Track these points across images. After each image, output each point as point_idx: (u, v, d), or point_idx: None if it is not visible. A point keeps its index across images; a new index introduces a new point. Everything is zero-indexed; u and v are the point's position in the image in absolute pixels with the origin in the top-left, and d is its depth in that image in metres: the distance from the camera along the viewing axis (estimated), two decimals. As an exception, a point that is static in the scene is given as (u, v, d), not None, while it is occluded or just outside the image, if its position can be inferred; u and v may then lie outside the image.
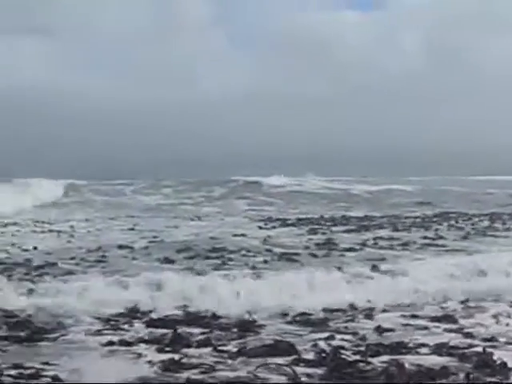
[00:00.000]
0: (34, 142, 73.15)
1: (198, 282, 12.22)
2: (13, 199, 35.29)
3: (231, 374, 7.12)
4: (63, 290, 11.70)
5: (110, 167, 55.18)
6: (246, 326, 9.61)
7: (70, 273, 14.02)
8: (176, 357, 7.82)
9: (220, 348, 8.37)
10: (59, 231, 22.98)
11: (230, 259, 16.07)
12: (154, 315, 10.48)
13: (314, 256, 16.62)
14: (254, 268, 14.46)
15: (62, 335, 9.20)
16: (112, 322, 10.05)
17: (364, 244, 18.75)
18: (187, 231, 22.92)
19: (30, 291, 11.74)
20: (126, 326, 9.78)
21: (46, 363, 7.70)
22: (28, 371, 7.34)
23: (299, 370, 7.28)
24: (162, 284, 11.97)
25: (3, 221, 26.15)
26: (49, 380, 7.06)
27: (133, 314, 10.58)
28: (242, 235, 21.09)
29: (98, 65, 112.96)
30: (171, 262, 15.69)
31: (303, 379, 7.04)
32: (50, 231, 23.19)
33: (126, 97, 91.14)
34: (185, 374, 7.13)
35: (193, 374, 7.14)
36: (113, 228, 24.72)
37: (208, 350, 8.31)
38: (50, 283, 12.55)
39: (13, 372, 7.30)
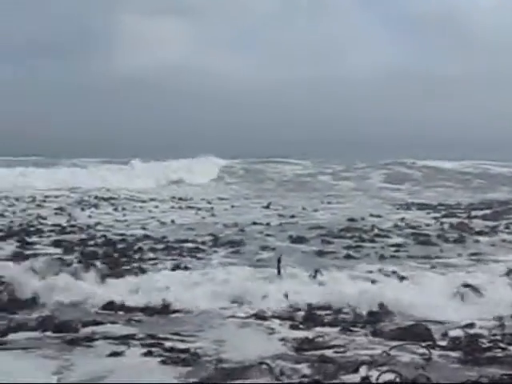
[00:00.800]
0: (182, 122, 75.59)
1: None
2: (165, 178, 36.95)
3: (364, 354, 7.08)
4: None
5: (257, 146, 55.69)
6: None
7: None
8: (310, 335, 7.89)
9: (352, 329, 8.38)
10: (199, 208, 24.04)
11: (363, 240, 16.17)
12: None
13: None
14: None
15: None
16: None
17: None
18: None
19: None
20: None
21: (185, 335, 7.98)
22: (167, 343, 7.56)
23: (433, 352, 7.16)
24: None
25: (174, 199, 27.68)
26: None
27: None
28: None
29: (245, 45, 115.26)
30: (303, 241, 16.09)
31: (438, 360, 6.94)
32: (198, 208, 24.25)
33: (272, 76, 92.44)
34: (318, 352, 7.16)
35: (326, 353, 7.16)
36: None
37: (338, 329, 8.36)
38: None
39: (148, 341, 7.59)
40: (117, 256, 13.69)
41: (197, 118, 78.17)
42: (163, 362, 6.80)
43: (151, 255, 13.91)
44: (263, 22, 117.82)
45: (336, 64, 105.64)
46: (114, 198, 28.69)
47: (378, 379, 6.01)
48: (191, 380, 6.30)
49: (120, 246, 15.22)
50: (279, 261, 11.12)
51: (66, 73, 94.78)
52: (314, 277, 10.71)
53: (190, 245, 15.39)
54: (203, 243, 15.66)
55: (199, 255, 13.98)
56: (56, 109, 79.95)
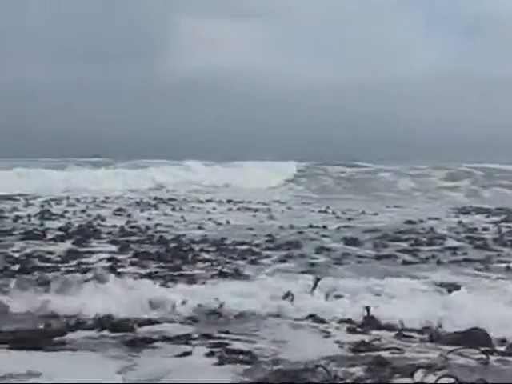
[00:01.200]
0: (241, 123, 75.92)
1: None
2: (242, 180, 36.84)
3: (421, 358, 7.05)
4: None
5: (316, 147, 55.32)
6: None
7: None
8: (366, 338, 7.89)
9: (408, 334, 8.35)
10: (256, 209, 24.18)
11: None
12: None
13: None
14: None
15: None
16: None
17: None
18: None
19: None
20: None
21: (241, 334, 8.07)
22: (226, 342, 7.65)
23: (491, 358, 7.08)
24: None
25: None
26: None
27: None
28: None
29: (299, 47, 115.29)
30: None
31: (496, 365, 6.87)
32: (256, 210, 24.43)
33: (326, 78, 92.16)
34: (374, 354, 7.17)
35: (382, 355, 7.15)
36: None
37: (394, 333, 8.34)
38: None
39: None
40: (170, 256, 13.89)
41: (257, 119, 78.29)
42: (222, 362, 6.88)
43: (206, 256, 14.06)
44: (316, 24, 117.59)
45: (390, 65, 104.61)
46: (172, 199, 28.98)
47: (435, 384, 5.98)
48: (247, 379, 6.37)
49: (176, 246, 15.49)
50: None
51: (123, 76, 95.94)
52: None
53: (244, 247, 15.51)
54: (258, 245, 15.81)
55: (254, 257, 14.02)
56: (114, 110, 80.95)
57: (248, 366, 6.74)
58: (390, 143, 57.79)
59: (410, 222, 20.41)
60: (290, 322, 8.77)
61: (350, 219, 21.63)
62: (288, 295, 9.89)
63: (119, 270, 12.40)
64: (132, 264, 13.23)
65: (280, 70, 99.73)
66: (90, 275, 10.82)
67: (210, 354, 7.12)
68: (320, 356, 6.99)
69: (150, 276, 11.87)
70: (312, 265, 13.42)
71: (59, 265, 12.99)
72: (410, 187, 37.02)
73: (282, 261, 13.99)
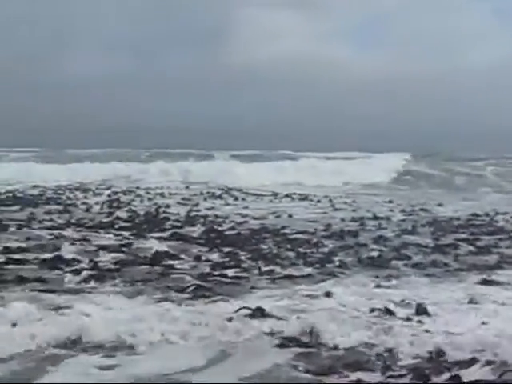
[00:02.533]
0: (306, 114, 75.86)
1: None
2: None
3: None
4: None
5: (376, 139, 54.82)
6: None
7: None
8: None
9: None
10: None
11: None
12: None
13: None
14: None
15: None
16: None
17: None
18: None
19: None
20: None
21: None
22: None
23: None
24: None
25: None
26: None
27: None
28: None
29: (363, 36, 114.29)
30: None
31: None
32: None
33: (390, 68, 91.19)
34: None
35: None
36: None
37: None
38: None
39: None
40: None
41: (319, 109, 78.01)
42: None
43: (264, 247, 14.13)
44: (380, 14, 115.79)
45: (454, 55, 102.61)
46: (238, 190, 29.21)
47: None
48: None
49: (234, 236, 15.66)
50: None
51: (186, 66, 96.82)
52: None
53: (305, 236, 15.54)
54: (315, 233, 15.96)
55: (312, 249, 14.02)
56: (176, 101, 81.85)
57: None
58: (459, 134, 56.44)
59: (475, 214, 20.03)
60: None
61: (413, 211, 21.23)
62: None
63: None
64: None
65: (343, 59, 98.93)
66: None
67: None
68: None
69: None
70: (369, 258, 13.16)
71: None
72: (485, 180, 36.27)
73: (341, 248, 14.02)
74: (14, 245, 13.71)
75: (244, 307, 8.53)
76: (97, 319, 8.04)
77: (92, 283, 10.58)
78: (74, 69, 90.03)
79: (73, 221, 17.70)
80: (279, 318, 8.30)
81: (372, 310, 8.73)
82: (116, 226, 16.83)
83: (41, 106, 75.09)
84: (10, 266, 11.83)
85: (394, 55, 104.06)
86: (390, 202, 24.37)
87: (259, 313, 8.36)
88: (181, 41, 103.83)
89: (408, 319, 8.37)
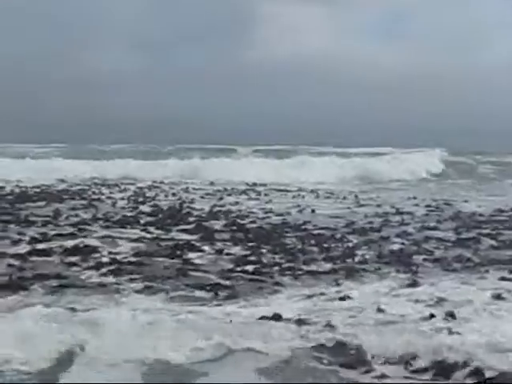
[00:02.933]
0: (330, 109, 75.63)
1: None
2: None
3: None
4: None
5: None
6: None
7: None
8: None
9: None
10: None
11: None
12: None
13: None
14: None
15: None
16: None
17: None
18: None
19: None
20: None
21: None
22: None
23: None
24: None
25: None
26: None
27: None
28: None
29: (387, 31, 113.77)
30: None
31: None
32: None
33: (415, 62, 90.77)
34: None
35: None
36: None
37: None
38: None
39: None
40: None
41: (344, 105, 77.75)
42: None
43: (287, 242, 14.17)
44: (402, 8, 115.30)
45: (476, 49, 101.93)
46: (262, 185, 29.25)
47: None
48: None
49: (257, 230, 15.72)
50: None
51: (210, 62, 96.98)
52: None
53: (328, 232, 15.58)
54: (338, 229, 15.99)
55: (335, 245, 14.03)
56: (200, 97, 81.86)
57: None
58: (484, 131, 55.86)
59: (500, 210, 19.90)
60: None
61: (437, 207, 21.14)
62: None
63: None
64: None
65: (365, 54, 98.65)
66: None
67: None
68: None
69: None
70: (391, 252, 13.15)
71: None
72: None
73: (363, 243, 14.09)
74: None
75: (263, 317, 8.35)
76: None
77: (111, 278, 10.76)
78: (97, 64, 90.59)
79: (99, 215, 17.88)
80: (303, 323, 8.20)
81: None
82: (141, 221, 16.96)
83: (65, 101, 75.49)
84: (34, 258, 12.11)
85: (417, 49, 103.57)
86: (416, 197, 24.23)
87: (277, 318, 8.24)
88: (203, 36, 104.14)
89: (434, 320, 8.28)
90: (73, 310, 8.63)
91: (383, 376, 6.76)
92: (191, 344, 7.48)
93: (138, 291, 10.02)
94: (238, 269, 11.59)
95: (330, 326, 8.06)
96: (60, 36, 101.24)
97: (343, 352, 7.33)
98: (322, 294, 9.87)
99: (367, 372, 6.93)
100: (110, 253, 12.66)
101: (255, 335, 7.69)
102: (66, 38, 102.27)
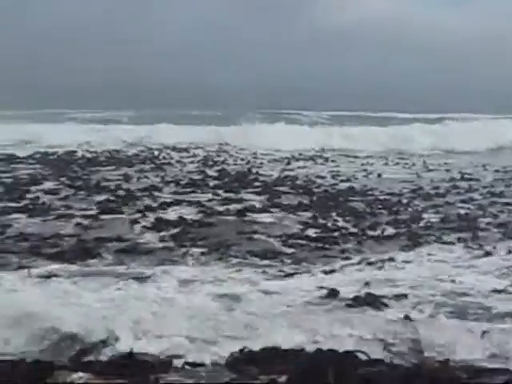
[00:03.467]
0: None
1: None
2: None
3: None
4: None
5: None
6: None
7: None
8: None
9: None
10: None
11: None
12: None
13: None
14: None
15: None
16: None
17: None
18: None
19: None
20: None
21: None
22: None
23: None
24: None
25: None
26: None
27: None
28: None
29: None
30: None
31: None
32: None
33: (479, 26, 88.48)
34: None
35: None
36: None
37: None
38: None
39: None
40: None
41: (408, 69, 76.38)
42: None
43: (355, 206, 14.24)
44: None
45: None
46: (331, 150, 29.19)
47: None
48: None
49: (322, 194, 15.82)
50: None
51: (274, 29, 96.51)
52: None
53: (395, 197, 15.60)
54: (405, 194, 15.96)
55: (401, 209, 13.98)
56: (265, 64, 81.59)
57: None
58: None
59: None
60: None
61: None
62: None
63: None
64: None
65: (432, 19, 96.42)
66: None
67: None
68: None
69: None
70: (458, 217, 13.06)
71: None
72: None
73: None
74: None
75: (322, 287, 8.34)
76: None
77: (178, 242, 11.01)
78: (173, 35, 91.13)
79: (168, 179, 18.23)
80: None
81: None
82: (210, 184, 17.31)
83: (142, 70, 76.28)
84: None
85: (484, 13, 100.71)
86: (486, 164, 23.75)
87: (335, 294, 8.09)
88: (270, 3, 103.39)
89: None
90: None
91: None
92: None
93: (202, 254, 10.27)
94: (303, 234, 11.71)
95: (401, 295, 8.03)
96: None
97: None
98: (390, 259, 9.88)
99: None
100: (179, 217, 12.89)
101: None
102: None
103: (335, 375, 5.38)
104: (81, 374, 5.44)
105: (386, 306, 7.67)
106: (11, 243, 10.70)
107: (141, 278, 8.79)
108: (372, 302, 7.74)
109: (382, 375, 5.50)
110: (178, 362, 6.33)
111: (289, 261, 9.99)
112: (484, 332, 6.64)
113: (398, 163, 24.77)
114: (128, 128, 35.23)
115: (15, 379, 5.63)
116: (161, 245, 10.86)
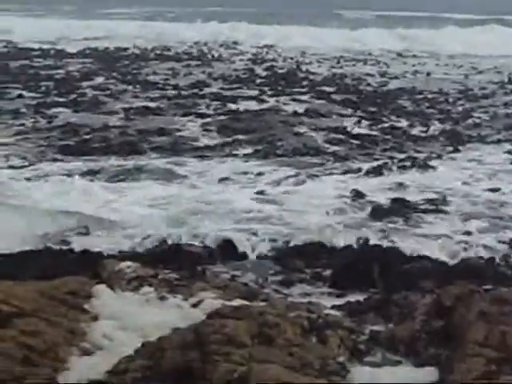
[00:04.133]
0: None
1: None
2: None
3: None
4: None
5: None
6: None
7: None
8: None
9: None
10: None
11: None
12: None
13: None
14: None
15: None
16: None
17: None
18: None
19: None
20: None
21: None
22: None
23: None
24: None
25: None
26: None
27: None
28: None
29: None
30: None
31: None
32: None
33: None
34: None
35: None
36: None
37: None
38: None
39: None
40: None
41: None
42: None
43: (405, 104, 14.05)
44: None
45: None
46: (381, 50, 28.51)
47: None
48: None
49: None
50: None
51: None
52: None
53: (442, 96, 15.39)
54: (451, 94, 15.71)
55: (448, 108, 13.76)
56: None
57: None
58: None
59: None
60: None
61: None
62: None
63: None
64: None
65: None
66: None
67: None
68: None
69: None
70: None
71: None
72: None
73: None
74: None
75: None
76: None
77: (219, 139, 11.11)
78: None
79: (215, 76, 18.15)
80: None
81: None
82: (257, 82, 17.18)
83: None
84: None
85: None
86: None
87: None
88: None
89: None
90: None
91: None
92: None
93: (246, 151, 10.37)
94: (348, 131, 11.72)
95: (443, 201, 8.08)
96: None
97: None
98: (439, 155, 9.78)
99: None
100: (225, 111, 12.90)
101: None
102: None
103: (380, 270, 5.41)
104: (129, 263, 5.55)
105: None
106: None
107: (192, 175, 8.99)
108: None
109: (427, 271, 5.53)
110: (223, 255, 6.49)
111: (331, 158, 10.03)
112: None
113: (447, 64, 24.08)
114: (175, 25, 34.89)
115: (65, 267, 5.80)
116: (206, 140, 10.97)
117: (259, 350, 3.83)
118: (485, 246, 6.64)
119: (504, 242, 6.76)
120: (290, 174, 9.12)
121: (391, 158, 10.06)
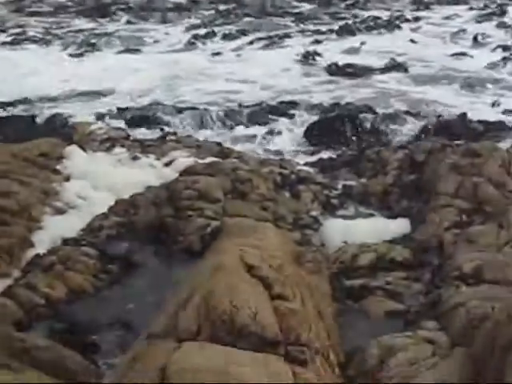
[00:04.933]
0: None
1: None
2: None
3: None
4: None
5: None
6: None
7: None
8: None
9: None
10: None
11: None
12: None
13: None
14: None
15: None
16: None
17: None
18: None
19: None
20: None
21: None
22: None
23: None
24: None
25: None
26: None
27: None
28: None
29: None
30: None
31: None
32: None
33: None
34: None
35: None
36: None
37: None
38: None
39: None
40: None
41: None
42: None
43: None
44: None
45: None
46: None
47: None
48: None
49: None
50: None
51: None
52: None
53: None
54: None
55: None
56: None
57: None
58: None
59: None
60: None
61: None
62: None
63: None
64: None
65: None
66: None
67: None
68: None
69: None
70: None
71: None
72: None
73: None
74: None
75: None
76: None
77: None
78: None
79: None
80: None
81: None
82: None
83: None
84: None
85: None
86: None
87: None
88: None
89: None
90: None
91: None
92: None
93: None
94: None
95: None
96: None
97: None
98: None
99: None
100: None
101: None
102: None
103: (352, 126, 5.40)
104: (100, 124, 5.49)
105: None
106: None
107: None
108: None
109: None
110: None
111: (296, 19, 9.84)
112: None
113: None
114: None
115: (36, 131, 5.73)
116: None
117: (232, 204, 3.85)
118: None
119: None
120: (256, 37, 8.91)
121: (355, 16, 9.81)
